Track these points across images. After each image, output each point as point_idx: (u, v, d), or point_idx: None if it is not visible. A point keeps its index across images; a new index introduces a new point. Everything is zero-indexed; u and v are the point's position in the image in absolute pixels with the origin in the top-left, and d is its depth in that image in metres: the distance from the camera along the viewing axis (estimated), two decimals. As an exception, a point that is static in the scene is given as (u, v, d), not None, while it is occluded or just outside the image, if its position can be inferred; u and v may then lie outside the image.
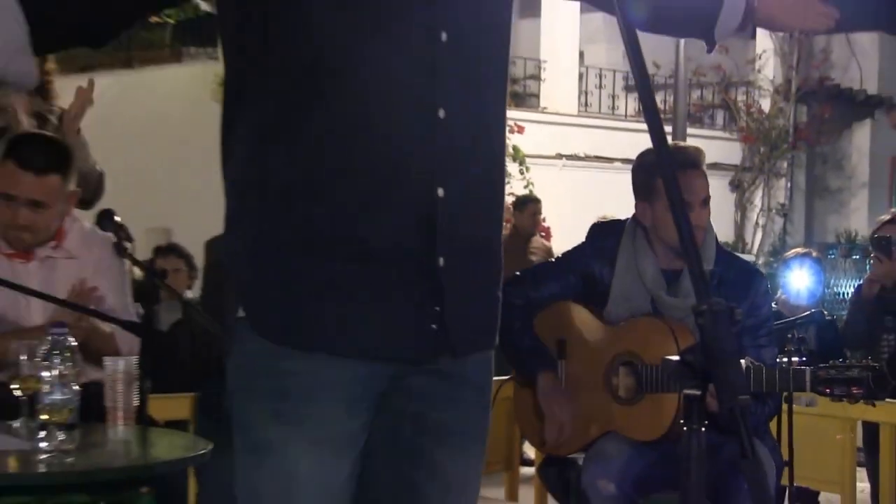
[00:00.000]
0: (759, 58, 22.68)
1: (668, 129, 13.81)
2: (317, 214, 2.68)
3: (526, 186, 15.65)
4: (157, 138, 14.91)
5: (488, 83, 2.85)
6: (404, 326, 2.74)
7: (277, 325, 2.69)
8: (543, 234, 14.14)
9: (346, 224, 2.68)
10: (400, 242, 2.71)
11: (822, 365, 4.45)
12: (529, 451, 9.08)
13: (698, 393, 2.32)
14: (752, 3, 3.24)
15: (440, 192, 2.69)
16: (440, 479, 2.88)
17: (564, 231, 13.55)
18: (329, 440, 2.71)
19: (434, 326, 2.74)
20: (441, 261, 2.70)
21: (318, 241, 2.69)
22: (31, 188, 5.03)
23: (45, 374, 4.06)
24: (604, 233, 5.66)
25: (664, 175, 2.53)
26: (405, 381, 2.79)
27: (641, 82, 2.44)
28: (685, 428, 2.35)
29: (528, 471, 9.17)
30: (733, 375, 2.26)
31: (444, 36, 2.69)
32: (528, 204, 14.02)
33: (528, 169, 16.56)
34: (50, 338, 4.15)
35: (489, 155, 2.87)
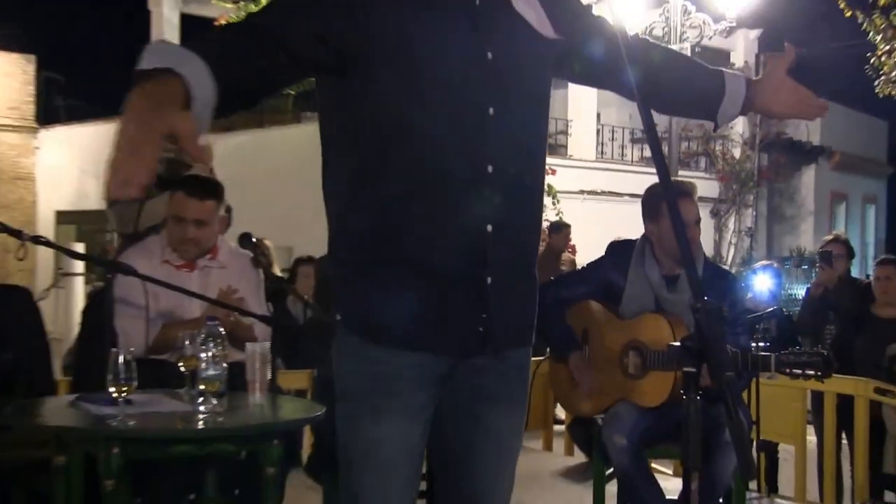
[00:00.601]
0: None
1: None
2: (393, 246, 2.74)
3: (557, 214, 15.62)
4: (281, 182, 14.93)
5: (529, 144, 2.88)
6: (457, 329, 2.80)
7: (366, 327, 2.76)
8: (570, 250, 14.12)
9: (416, 254, 2.74)
10: (457, 267, 2.77)
11: (783, 352, 4.46)
12: (560, 413, 9.07)
13: (694, 370, 2.35)
14: (751, 95, 3.14)
15: (489, 228, 2.74)
16: (493, 437, 2.93)
17: (586, 248, 13.51)
18: (405, 409, 2.77)
19: (481, 329, 2.79)
20: (489, 280, 2.77)
21: (394, 266, 2.75)
22: (196, 211, 5.15)
23: (202, 355, 4.09)
24: (619, 249, 5.69)
25: (668, 201, 2.57)
26: (464, 362, 2.82)
27: (652, 141, 2.46)
28: (684, 396, 2.38)
29: (559, 428, 9.15)
30: (722, 358, 2.30)
31: (491, 111, 2.72)
32: (561, 228, 14.05)
33: (558, 201, 16.51)
34: (206, 328, 4.19)
35: (529, 199, 2.90)
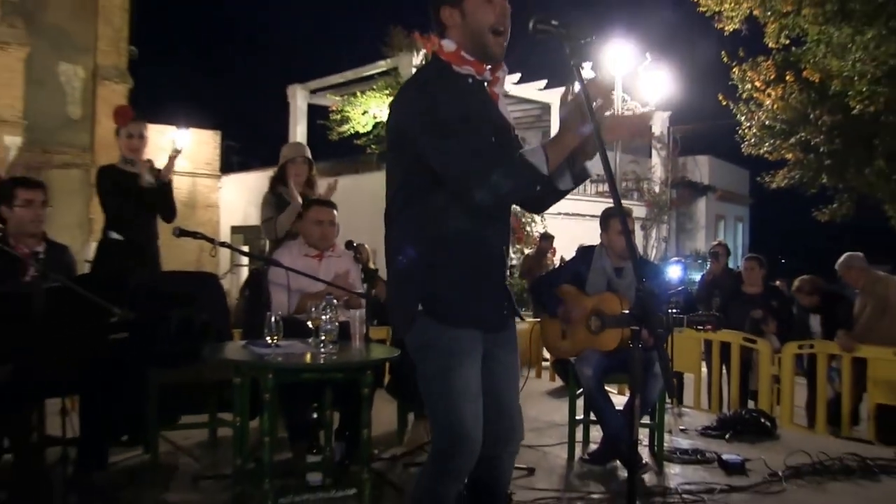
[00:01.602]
0: (652, 168, 22.66)
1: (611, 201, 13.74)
2: (452, 268, 2.76)
3: (544, 228, 15.54)
4: (369, 206, 14.95)
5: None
6: (495, 313, 2.86)
7: (440, 314, 2.74)
8: (552, 252, 14.06)
9: (469, 271, 2.78)
10: (494, 277, 2.86)
11: (692, 314, 4.45)
12: (546, 354, 9.04)
13: (638, 328, 2.34)
14: (575, 167, 2.76)
15: (504, 246, 2.89)
16: (510, 379, 2.97)
17: (562, 250, 13.47)
18: (476, 359, 2.78)
19: (505, 312, 2.87)
20: (507, 282, 2.79)
21: (458, 277, 2.76)
22: (329, 215, 5.17)
23: (323, 317, 4.08)
24: (585, 250, 5.68)
25: (620, 218, 2.57)
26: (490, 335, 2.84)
27: (610, 181, 2.45)
28: (631, 345, 2.37)
29: (545, 364, 9.13)
30: (656, 321, 2.28)
31: (502, 247, 2.90)
32: (548, 238, 13.99)
33: (545, 220, 16.41)
34: (325, 299, 4.16)
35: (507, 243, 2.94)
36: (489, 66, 2.83)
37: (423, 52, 17.19)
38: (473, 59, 2.79)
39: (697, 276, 12.57)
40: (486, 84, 2.86)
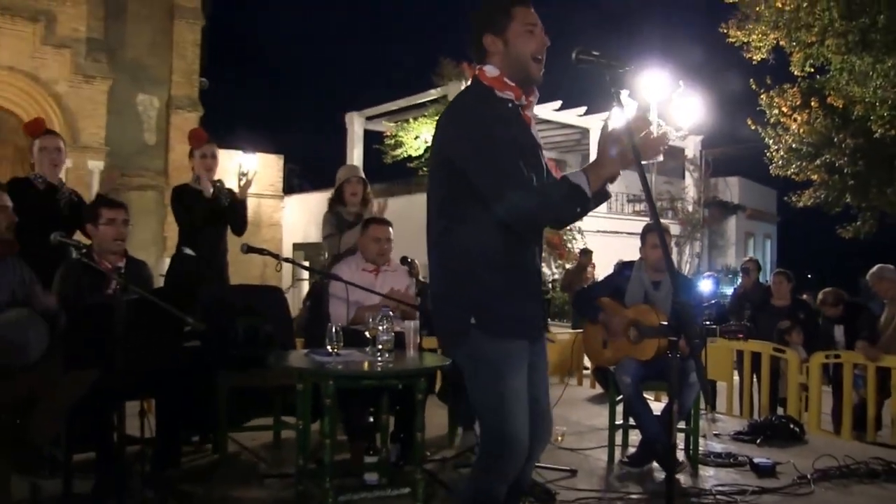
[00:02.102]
0: (685, 188, 22.48)
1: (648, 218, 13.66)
2: (501, 283, 2.73)
3: (584, 244, 15.45)
4: (420, 224, 14.96)
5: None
6: (537, 324, 2.87)
7: (491, 328, 2.71)
8: (591, 266, 13.95)
9: (515, 286, 2.77)
10: (535, 292, 2.84)
11: (724, 325, 4.41)
12: (586, 363, 8.96)
13: (676, 339, 2.30)
14: (592, 175, 2.65)
15: (538, 261, 2.86)
16: (544, 384, 3.00)
17: (600, 266, 13.36)
18: (519, 372, 2.76)
19: (542, 323, 2.92)
20: (545, 295, 2.83)
21: (502, 292, 2.73)
22: (386, 232, 5.22)
23: (380, 327, 4.09)
24: (624, 265, 5.63)
25: (657, 232, 2.54)
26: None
27: (649, 200, 2.43)
28: (669, 355, 2.34)
29: (586, 372, 9.06)
30: (693, 331, 2.25)
31: (537, 261, 2.86)
32: (588, 253, 13.88)
33: (584, 237, 16.36)
34: (381, 311, 4.18)
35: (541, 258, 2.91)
36: (524, 93, 2.83)
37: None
38: (514, 84, 2.79)
39: (728, 290, 12.42)
40: (520, 108, 2.85)
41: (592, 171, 2.64)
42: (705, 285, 8.82)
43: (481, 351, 2.73)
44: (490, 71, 2.80)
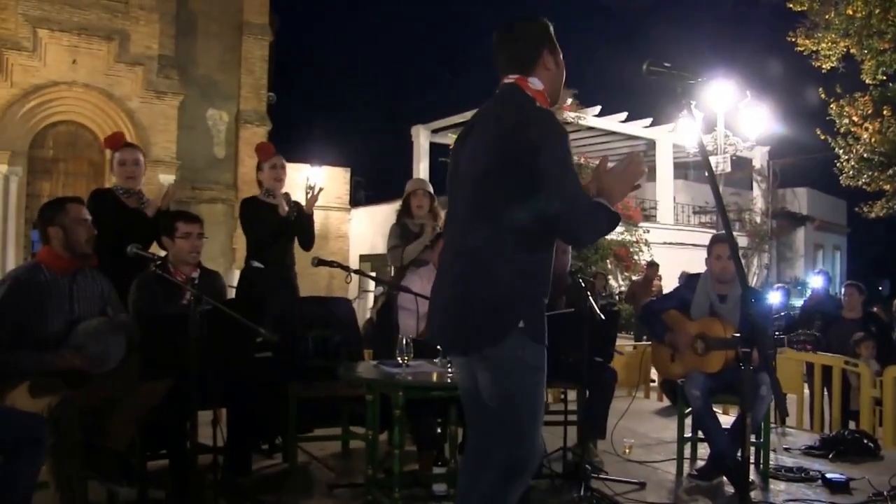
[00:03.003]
0: (752, 200, 22.12)
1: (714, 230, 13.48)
2: (541, 290, 2.76)
3: (651, 257, 15.31)
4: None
5: None
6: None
7: (535, 333, 2.71)
8: (657, 279, 13.81)
9: (547, 293, 2.78)
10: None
11: (792, 334, 4.32)
12: (653, 375, 8.85)
13: (749, 350, 2.28)
14: None
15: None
16: None
17: (666, 277, 13.23)
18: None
19: None
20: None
21: (541, 299, 2.75)
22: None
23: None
24: (691, 277, 5.55)
25: (729, 244, 2.51)
26: None
27: (721, 212, 2.41)
28: (741, 367, 2.31)
29: (653, 385, 8.96)
30: (766, 342, 2.23)
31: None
32: (654, 266, 13.76)
33: (651, 248, 16.19)
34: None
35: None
36: None
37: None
38: (548, 103, 2.84)
39: (798, 303, 12.21)
40: None
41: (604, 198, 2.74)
42: (774, 297, 8.68)
43: (524, 355, 2.69)
44: (534, 83, 2.82)
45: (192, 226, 4.67)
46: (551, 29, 2.85)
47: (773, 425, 6.18)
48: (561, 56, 2.84)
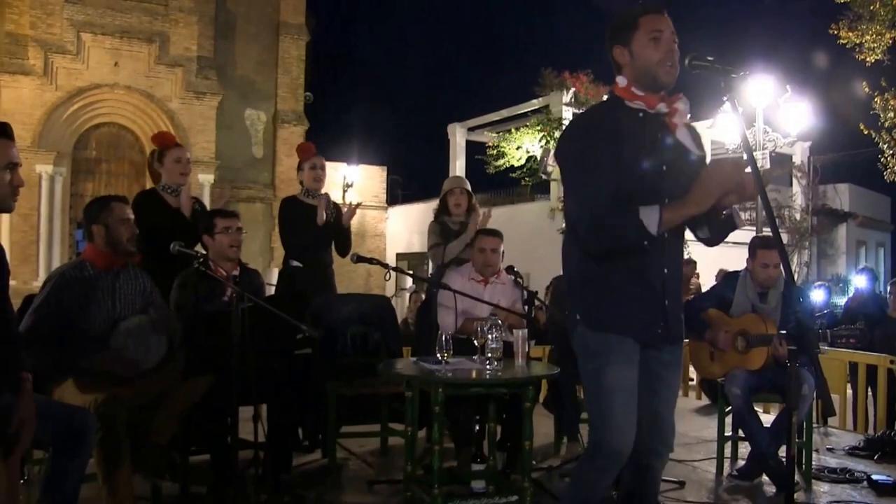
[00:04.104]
0: (792, 196, 21.84)
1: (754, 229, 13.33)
2: (603, 284, 2.80)
3: (688, 254, 15.13)
4: (523, 233, 14.96)
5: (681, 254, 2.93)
6: (646, 328, 2.81)
7: (592, 322, 2.78)
8: (695, 276, 13.65)
9: (617, 288, 2.78)
10: (648, 299, 2.80)
11: (835, 329, 4.26)
12: (692, 374, 8.77)
13: (795, 348, 2.24)
14: (711, 221, 2.80)
15: (665, 271, 2.78)
16: (670, 398, 3.00)
17: (706, 276, 13.10)
18: (620, 365, 2.77)
19: (660, 332, 2.82)
20: (666, 303, 2.79)
21: (613, 294, 2.78)
22: (493, 243, 5.26)
23: (489, 336, 4.11)
24: (730, 276, 5.47)
25: (779, 247, 2.48)
26: (647, 350, 2.82)
27: (768, 212, 2.37)
28: (788, 363, 2.28)
29: (691, 383, 8.88)
30: (813, 338, 2.20)
31: (665, 270, 2.81)
32: (691, 263, 13.59)
33: (688, 246, 16.03)
34: (490, 320, 4.19)
35: (681, 262, 2.89)
36: (665, 99, 2.79)
37: (572, 90, 17.16)
38: (644, 93, 2.77)
39: (840, 301, 12.03)
40: (663, 116, 2.81)
41: (674, 209, 2.65)
42: (817, 295, 8.55)
43: (584, 343, 2.84)
44: (620, 81, 2.82)
45: (230, 220, 4.71)
46: (623, 19, 2.81)
47: (815, 425, 6.10)
48: (640, 39, 2.75)
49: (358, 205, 6.17)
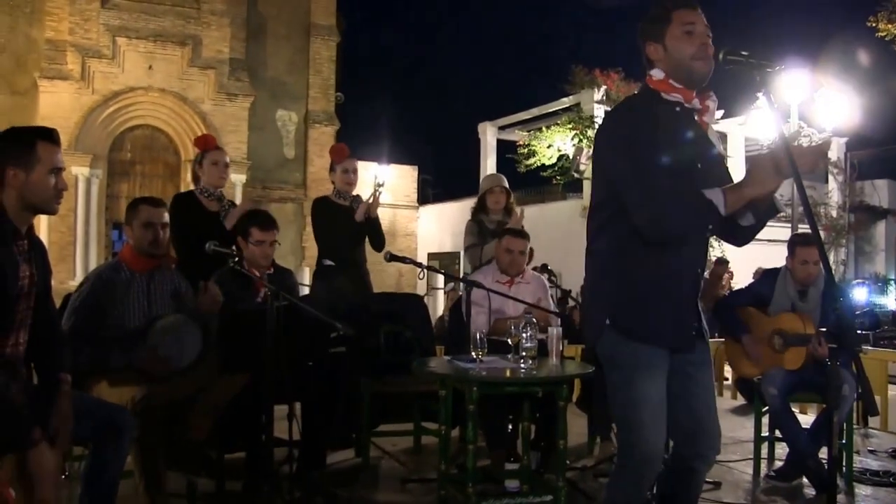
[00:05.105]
0: (828, 193, 21.55)
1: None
2: (636, 287, 2.74)
3: (721, 253, 15.01)
4: (553, 233, 14.93)
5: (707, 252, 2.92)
6: (679, 332, 2.77)
7: (624, 329, 2.73)
8: (728, 275, 13.53)
9: (651, 292, 2.72)
10: (680, 301, 2.77)
11: (878, 330, 4.20)
12: (726, 374, 8.68)
13: (836, 346, 2.21)
14: (759, 208, 2.69)
15: (699, 270, 2.79)
16: (707, 397, 2.91)
17: (740, 274, 12.99)
18: (650, 376, 2.72)
19: (693, 333, 2.78)
20: (699, 304, 2.76)
21: (645, 296, 2.71)
22: (519, 245, 5.24)
23: (523, 335, 4.09)
24: (769, 273, 5.38)
25: (818, 244, 2.44)
26: (678, 354, 2.76)
27: (806, 210, 2.33)
28: (829, 363, 2.24)
29: (726, 383, 8.80)
30: (854, 337, 2.17)
31: (698, 269, 2.80)
32: (724, 262, 13.50)
33: (721, 244, 15.87)
34: (525, 318, 4.18)
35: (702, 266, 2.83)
36: (697, 96, 2.76)
37: (603, 88, 17.06)
38: (681, 86, 2.73)
39: (881, 300, 11.86)
40: (695, 113, 2.78)
41: (734, 190, 2.60)
42: (860, 294, 8.43)
43: (613, 351, 2.77)
44: (656, 74, 2.78)
45: (266, 234, 4.66)
46: (655, 15, 2.78)
47: (855, 426, 6.01)
48: (673, 33, 2.71)
49: (380, 185, 6.16)
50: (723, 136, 20.12)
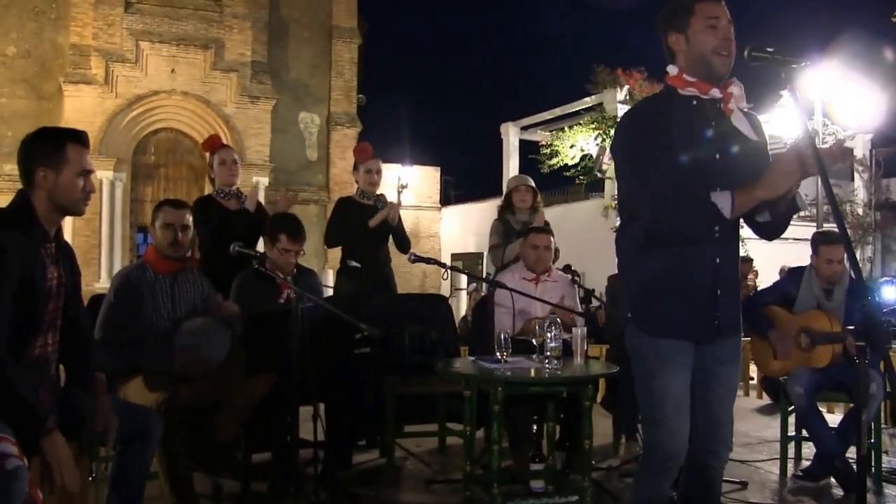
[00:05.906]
0: (854, 191, 21.35)
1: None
2: (655, 282, 2.74)
3: (745, 251, 14.90)
4: (577, 232, 14.87)
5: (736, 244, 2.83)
6: (700, 325, 2.75)
7: (645, 324, 2.76)
8: (753, 274, 13.43)
9: (671, 286, 2.73)
10: (702, 293, 2.74)
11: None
12: (752, 373, 8.63)
13: (863, 344, 2.18)
14: (778, 206, 2.63)
15: (717, 260, 2.73)
16: (726, 394, 2.90)
17: (764, 273, 12.89)
18: (673, 370, 2.73)
19: (717, 323, 2.74)
20: (719, 293, 2.72)
21: (663, 290, 2.72)
22: (545, 241, 5.21)
23: (548, 334, 4.09)
24: (795, 272, 5.34)
25: (845, 242, 2.41)
26: (702, 346, 2.76)
27: (834, 208, 2.32)
28: (856, 361, 2.23)
29: (752, 382, 8.74)
30: (883, 335, 2.14)
31: (717, 260, 2.74)
32: (748, 261, 13.41)
33: (745, 243, 15.76)
34: (550, 318, 4.17)
35: (736, 253, 2.81)
36: (716, 86, 2.72)
37: (626, 87, 17.00)
38: (696, 79, 2.71)
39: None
40: (717, 102, 2.74)
41: (745, 192, 2.57)
42: (890, 292, 8.33)
43: (636, 345, 2.81)
44: (671, 70, 2.77)
45: (294, 244, 4.64)
46: (678, 5, 2.75)
47: (883, 426, 5.95)
48: (696, 25, 2.69)
49: (403, 187, 6.19)
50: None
